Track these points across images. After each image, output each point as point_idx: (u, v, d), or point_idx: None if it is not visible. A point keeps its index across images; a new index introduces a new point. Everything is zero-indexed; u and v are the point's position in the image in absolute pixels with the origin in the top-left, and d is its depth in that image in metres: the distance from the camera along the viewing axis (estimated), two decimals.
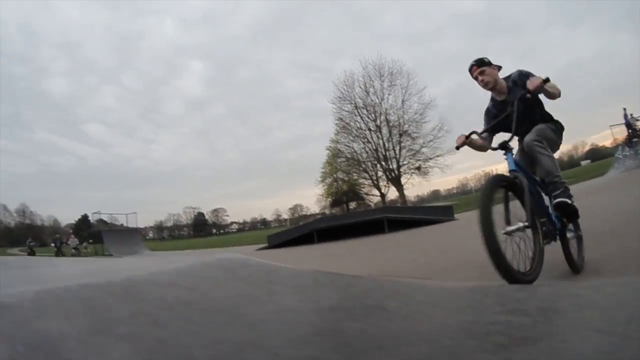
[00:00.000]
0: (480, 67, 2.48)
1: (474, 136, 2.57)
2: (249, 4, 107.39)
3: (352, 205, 41.01)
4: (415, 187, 37.19)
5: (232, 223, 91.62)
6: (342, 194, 38.19)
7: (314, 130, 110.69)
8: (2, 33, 79.33)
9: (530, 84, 2.23)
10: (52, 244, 24.45)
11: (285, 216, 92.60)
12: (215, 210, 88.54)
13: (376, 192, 34.83)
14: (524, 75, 2.40)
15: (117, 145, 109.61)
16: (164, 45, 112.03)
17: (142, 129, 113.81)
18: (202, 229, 74.26)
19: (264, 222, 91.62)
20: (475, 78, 2.52)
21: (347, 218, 16.71)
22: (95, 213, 27.75)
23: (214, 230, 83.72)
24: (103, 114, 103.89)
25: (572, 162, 57.77)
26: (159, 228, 78.21)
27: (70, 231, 56.37)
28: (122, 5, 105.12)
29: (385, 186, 33.71)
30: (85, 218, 69.21)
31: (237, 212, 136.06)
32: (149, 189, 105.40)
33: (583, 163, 52.28)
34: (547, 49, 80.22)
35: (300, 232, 15.51)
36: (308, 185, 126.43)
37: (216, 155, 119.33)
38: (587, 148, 67.65)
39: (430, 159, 31.75)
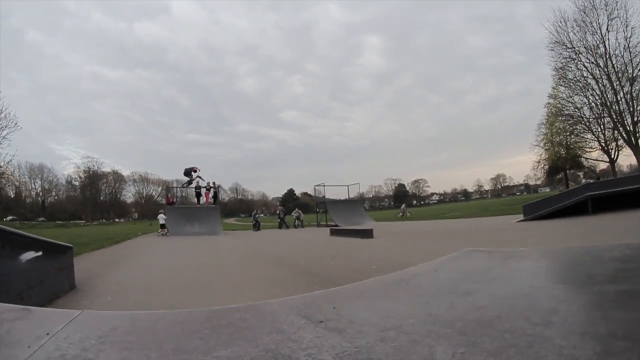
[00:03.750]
0: None
1: None
2: None
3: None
4: None
5: (432, 194, 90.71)
6: (563, 160, 31.51)
7: (509, 91, 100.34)
8: (187, 55, 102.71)
9: None
10: (277, 215, 27.20)
11: (486, 187, 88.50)
12: (416, 182, 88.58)
13: (604, 157, 28.02)
14: None
15: (314, 127, 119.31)
16: (335, 28, 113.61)
17: (335, 109, 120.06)
18: (403, 200, 74.24)
19: (465, 194, 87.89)
20: None
21: (624, 183, 12.54)
22: (318, 185, 28.38)
23: (414, 202, 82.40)
24: (295, 101, 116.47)
25: None
26: (361, 199, 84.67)
27: (278, 203, 67.78)
28: (282, 4, 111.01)
29: (615, 149, 26.91)
30: (291, 192, 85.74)
31: (437, 183, 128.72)
32: (349, 164, 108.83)
33: None
34: None
35: (569, 201, 12.24)
36: (509, 153, 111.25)
37: (411, 126, 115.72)
38: None
39: None
